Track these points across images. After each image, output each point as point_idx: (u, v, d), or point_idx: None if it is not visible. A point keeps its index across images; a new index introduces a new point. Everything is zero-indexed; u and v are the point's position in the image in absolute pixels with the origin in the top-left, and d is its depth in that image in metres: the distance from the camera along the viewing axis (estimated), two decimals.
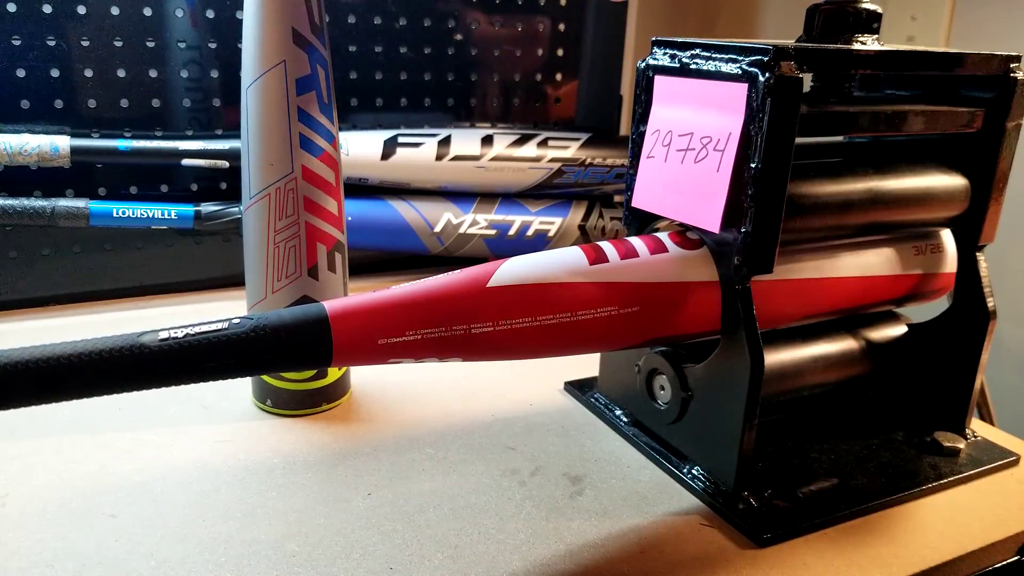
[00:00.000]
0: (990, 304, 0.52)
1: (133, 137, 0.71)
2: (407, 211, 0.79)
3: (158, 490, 0.46)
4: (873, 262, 0.51)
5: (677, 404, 0.49)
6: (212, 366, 0.34)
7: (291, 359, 0.37)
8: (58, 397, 0.32)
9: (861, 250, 0.51)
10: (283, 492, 0.46)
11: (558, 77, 0.90)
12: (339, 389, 0.57)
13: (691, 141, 0.45)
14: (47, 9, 0.67)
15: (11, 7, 0.65)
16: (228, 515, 0.44)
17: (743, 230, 0.43)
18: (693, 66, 0.45)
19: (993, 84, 0.50)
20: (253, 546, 0.42)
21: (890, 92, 0.54)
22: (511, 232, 0.80)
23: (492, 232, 0.80)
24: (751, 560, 0.43)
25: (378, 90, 0.81)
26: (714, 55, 0.44)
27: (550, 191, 0.82)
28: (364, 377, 0.60)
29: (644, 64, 0.49)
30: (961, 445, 0.53)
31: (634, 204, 0.50)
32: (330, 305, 0.38)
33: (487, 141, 0.79)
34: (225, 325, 0.35)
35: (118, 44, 0.70)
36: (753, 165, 0.42)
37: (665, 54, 0.48)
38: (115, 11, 0.69)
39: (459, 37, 0.84)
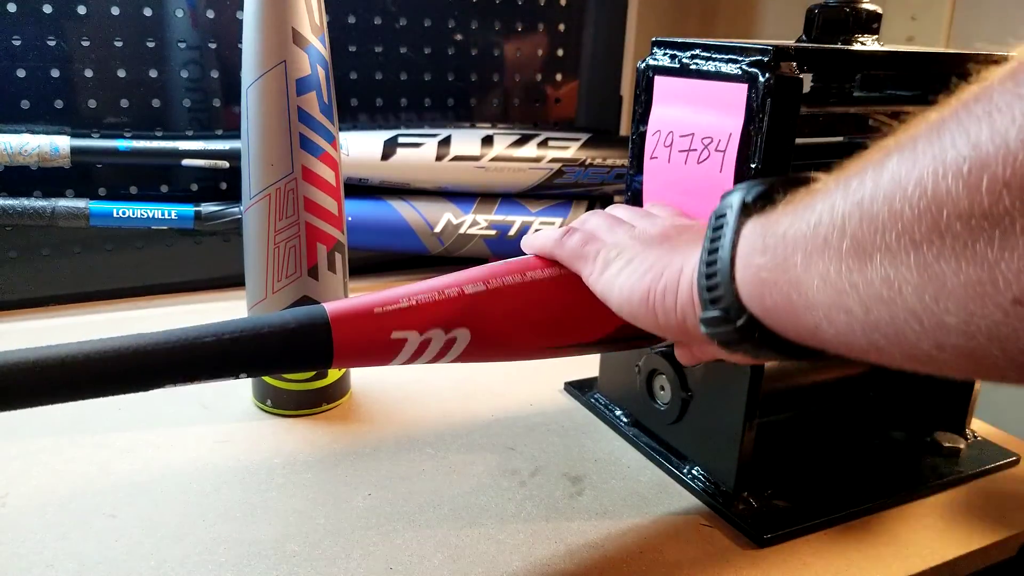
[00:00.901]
0: None
1: (133, 137, 0.71)
2: (407, 211, 0.79)
3: (158, 490, 0.46)
4: None
5: (677, 404, 0.49)
6: (212, 368, 0.34)
7: (292, 361, 0.37)
8: (58, 398, 0.32)
9: None
10: (283, 492, 0.46)
11: (558, 77, 0.90)
12: (339, 389, 0.57)
13: (692, 142, 0.45)
14: (47, 9, 0.67)
15: (11, 7, 0.65)
16: (228, 515, 0.44)
17: None
18: (693, 66, 0.45)
19: None
20: (253, 546, 0.42)
21: (890, 92, 0.54)
22: (511, 232, 0.80)
23: (492, 232, 0.80)
24: (751, 560, 0.43)
25: (378, 90, 0.81)
26: (714, 55, 0.44)
27: (550, 191, 0.82)
28: (364, 377, 0.60)
29: (644, 64, 0.49)
30: (961, 445, 0.53)
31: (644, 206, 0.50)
32: (331, 307, 0.38)
33: (487, 141, 0.79)
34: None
35: (118, 44, 0.70)
36: (753, 165, 0.42)
37: (665, 54, 0.48)
38: (115, 11, 0.69)
39: (459, 37, 0.84)
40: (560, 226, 0.82)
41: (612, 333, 0.42)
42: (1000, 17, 0.80)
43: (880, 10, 0.48)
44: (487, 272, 0.41)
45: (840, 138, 0.57)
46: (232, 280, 0.77)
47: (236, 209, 0.73)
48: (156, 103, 0.72)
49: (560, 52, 0.89)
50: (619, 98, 0.94)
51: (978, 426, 0.56)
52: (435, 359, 0.40)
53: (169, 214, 0.71)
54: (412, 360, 0.40)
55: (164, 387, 0.34)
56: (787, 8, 0.99)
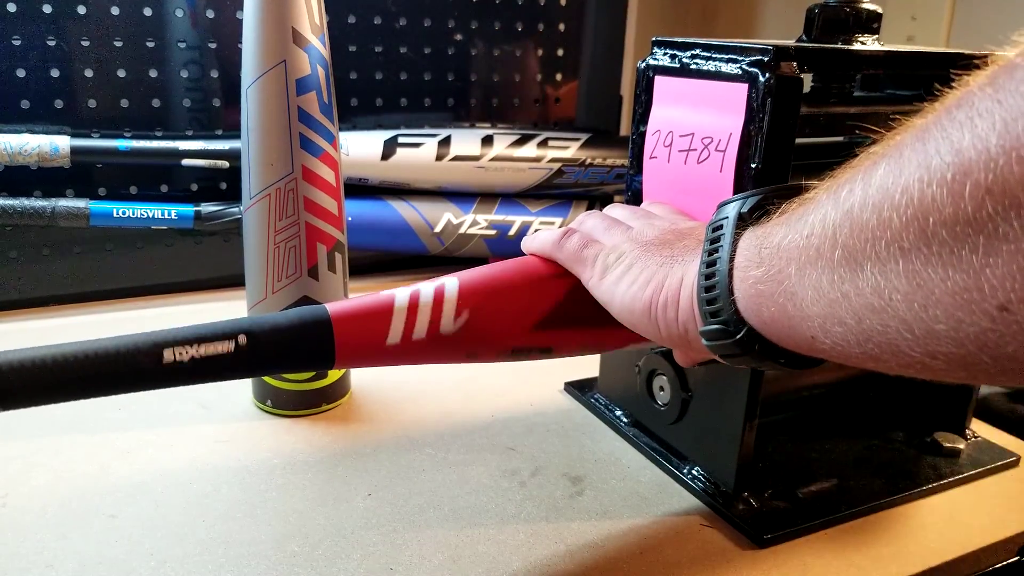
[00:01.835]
0: None
1: (133, 137, 0.71)
2: (407, 211, 0.79)
3: (158, 490, 0.46)
4: None
5: (677, 404, 0.49)
6: (213, 368, 0.34)
7: (293, 361, 0.37)
8: (58, 398, 0.32)
9: None
10: (283, 492, 0.46)
11: (558, 77, 0.90)
12: (339, 389, 0.57)
13: (692, 142, 0.45)
14: (47, 9, 0.66)
15: (11, 7, 0.65)
16: (228, 515, 0.44)
17: None
18: (693, 66, 0.45)
19: None
20: (253, 546, 0.42)
21: (891, 92, 0.54)
22: (511, 232, 0.80)
23: (492, 232, 0.80)
24: (751, 561, 0.43)
25: (378, 90, 0.81)
26: (714, 55, 0.44)
27: (550, 191, 0.82)
28: (364, 377, 0.60)
29: (644, 64, 0.49)
30: (961, 445, 0.53)
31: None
32: (332, 307, 0.38)
33: (487, 141, 0.79)
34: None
35: (118, 44, 0.70)
36: (753, 165, 0.42)
37: (665, 54, 0.48)
38: (115, 11, 0.69)
39: (459, 37, 0.83)
40: (560, 226, 0.82)
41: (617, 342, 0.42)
42: (1000, 17, 0.80)
43: (880, 10, 0.48)
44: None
45: (840, 138, 0.57)
46: (232, 280, 0.77)
47: (236, 209, 0.73)
48: (156, 103, 0.72)
49: (560, 52, 0.89)
50: (619, 98, 0.94)
51: (978, 426, 0.56)
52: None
53: (169, 214, 0.71)
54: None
55: (164, 387, 0.34)
56: (787, 8, 0.99)
